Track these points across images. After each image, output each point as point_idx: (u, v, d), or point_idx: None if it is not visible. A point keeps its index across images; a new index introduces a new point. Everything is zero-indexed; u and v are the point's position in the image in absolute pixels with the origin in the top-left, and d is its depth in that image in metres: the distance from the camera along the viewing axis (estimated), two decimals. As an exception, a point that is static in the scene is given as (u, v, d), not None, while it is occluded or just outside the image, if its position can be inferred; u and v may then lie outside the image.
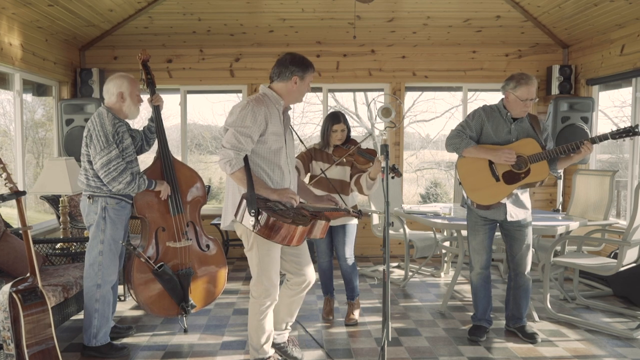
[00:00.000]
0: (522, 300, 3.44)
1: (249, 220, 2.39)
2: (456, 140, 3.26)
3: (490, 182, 3.23)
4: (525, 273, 3.39)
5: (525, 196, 3.35)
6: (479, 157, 3.23)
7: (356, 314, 3.81)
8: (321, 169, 3.55)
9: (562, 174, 5.48)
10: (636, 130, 2.95)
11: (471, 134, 3.27)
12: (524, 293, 3.43)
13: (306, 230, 2.43)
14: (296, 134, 2.97)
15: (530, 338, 3.38)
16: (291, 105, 2.81)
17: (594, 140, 3.03)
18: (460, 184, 3.40)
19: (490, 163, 3.24)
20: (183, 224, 3.42)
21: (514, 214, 3.28)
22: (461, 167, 3.35)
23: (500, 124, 3.25)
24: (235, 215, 2.52)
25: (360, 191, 3.44)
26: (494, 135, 3.25)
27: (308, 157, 3.61)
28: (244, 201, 2.45)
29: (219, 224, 5.53)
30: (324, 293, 3.96)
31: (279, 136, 2.64)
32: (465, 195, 3.41)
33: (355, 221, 3.73)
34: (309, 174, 3.68)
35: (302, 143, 3.25)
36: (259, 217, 2.34)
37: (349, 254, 3.70)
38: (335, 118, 3.56)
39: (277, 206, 2.49)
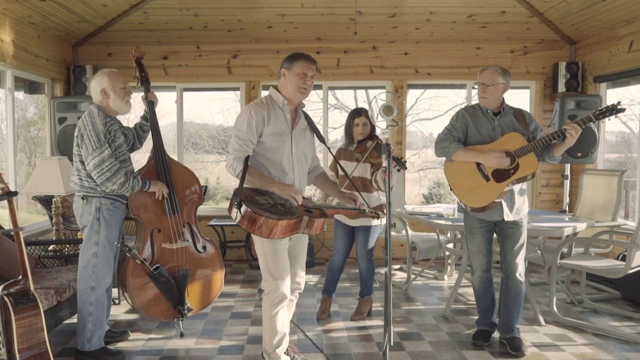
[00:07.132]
0: (513, 305, 3.27)
1: (234, 213, 2.51)
2: (445, 144, 3.23)
3: (480, 183, 3.18)
4: (517, 274, 3.25)
5: (522, 198, 3.26)
6: (469, 160, 3.19)
7: (365, 312, 3.84)
8: (352, 168, 3.61)
9: (568, 173, 5.38)
10: (619, 107, 2.89)
11: (458, 136, 3.25)
12: (514, 297, 3.27)
13: (290, 224, 2.47)
14: (318, 135, 2.90)
15: (516, 351, 3.19)
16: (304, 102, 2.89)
17: (578, 124, 2.98)
18: (451, 189, 3.34)
19: (478, 164, 3.19)
20: (179, 225, 3.35)
21: (510, 213, 3.22)
22: (449, 171, 3.30)
23: (483, 122, 3.23)
24: (229, 209, 2.62)
25: (380, 188, 3.45)
26: (478, 134, 3.22)
27: (335, 162, 3.69)
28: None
29: (217, 225, 5.55)
30: (323, 292, 3.91)
31: (280, 136, 2.74)
32: (458, 200, 3.35)
33: (377, 222, 3.70)
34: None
35: (324, 144, 3.10)
36: (240, 209, 2.45)
37: (369, 254, 3.73)
38: (356, 112, 3.74)
39: (267, 201, 2.55)
